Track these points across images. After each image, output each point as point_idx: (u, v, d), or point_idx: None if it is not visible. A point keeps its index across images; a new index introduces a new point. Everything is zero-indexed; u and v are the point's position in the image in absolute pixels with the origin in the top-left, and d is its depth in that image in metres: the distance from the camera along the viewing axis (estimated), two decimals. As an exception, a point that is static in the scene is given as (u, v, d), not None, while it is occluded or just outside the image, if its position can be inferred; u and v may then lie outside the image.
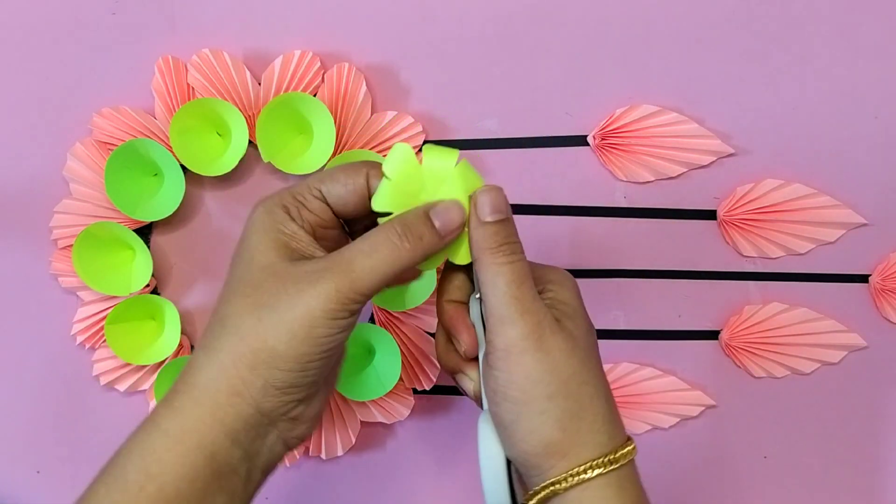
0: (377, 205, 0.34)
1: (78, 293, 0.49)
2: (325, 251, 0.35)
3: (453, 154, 0.35)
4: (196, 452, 0.32)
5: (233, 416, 0.32)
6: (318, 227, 0.35)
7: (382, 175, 0.34)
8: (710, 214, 0.49)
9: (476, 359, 0.37)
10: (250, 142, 0.46)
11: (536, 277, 0.35)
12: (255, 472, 0.34)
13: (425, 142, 0.48)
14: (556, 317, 0.34)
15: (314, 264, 0.33)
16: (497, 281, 0.33)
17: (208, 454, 0.32)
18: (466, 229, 0.35)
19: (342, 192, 0.35)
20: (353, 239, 0.35)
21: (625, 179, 0.48)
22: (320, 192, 0.35)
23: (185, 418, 0.32)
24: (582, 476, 0.33)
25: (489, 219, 0.34)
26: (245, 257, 0.34)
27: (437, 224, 0.34)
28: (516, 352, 0.33)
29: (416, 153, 0.35)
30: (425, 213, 0.34)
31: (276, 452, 0.35)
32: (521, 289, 0.33)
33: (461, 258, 0.35)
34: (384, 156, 0.46)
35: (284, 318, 0.32)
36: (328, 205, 0.35)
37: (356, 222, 0.37)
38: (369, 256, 0.33)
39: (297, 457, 0.49)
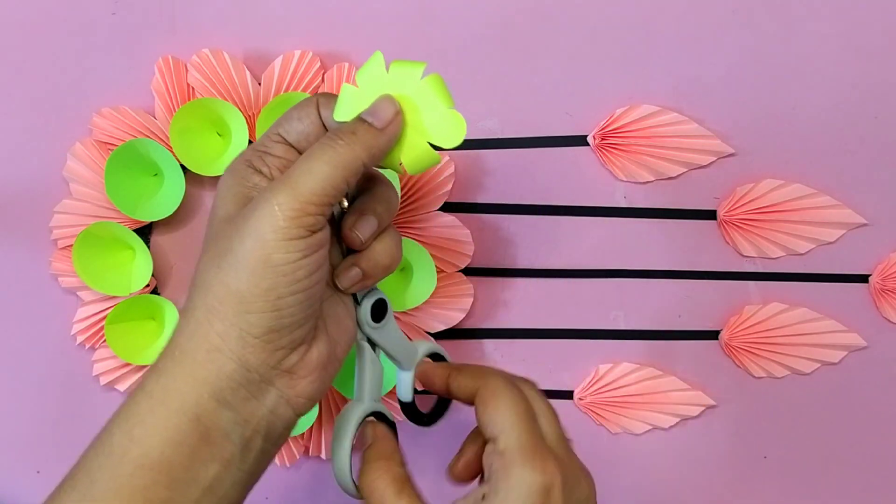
0: (338, 115, 0.33)
1: (78, 293, 0.49)
2: None
3: (419, 66, 0.33)
4: (179, 414, 0.30)
5: (214, 374, 0.31)
6: (284, 169, 0.33)
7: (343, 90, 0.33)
8: (710, 214, 0.49)
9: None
10: (250, 142, 0.46)
11: (500, 471, 0.33)
12: (255, 439, 0.32)
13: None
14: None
15: (257, 192, 0.31)
16: None
17: (192, 416, 0.30)
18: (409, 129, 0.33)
19: (299, 127, 0.33)
20: None
21: (625, 179, 0.48)
22: (279, 135, 0.34)
23: (167, 379, 0.31)
24: None
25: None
26: (210, 218, 0.33)
27: (370, 119, 0.32)
28: None
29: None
30: (357, 116, 0.32)
31: (282, 416, 0.32)
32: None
33: (407, 158, 0.33)
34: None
35: (239, 256, 0.30)
36: (291, 145, 0.34)
37: None
38: (307, 162, 0.31)
39: (297, 456, 0.49)
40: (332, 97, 0.34)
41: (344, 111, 0.33)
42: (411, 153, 0.33)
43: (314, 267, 0.31)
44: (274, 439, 0.33)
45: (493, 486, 0.32)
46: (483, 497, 0.32)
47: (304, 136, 0.33)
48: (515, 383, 0.35)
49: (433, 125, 0.33)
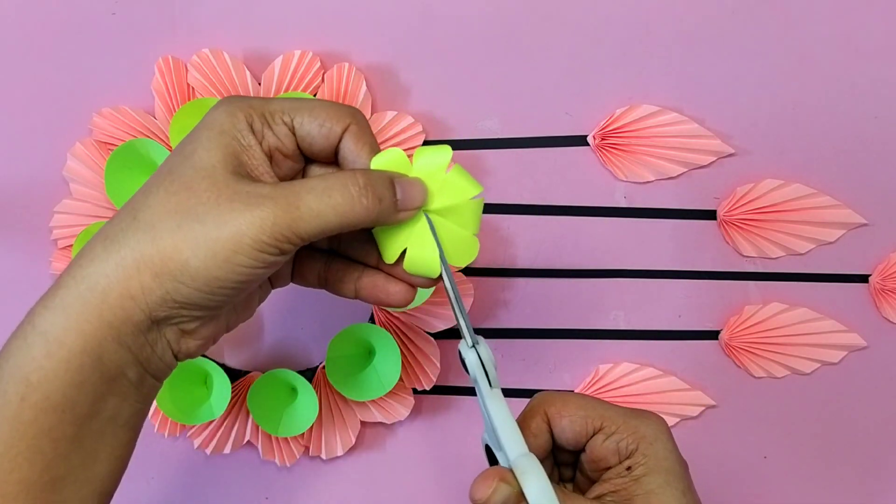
0: (376, 162, 0.33)
1: (78, 293, 0.48)
2: (276, 179, 0.32)
3: (446, 154, 0.33)
4: (82, 356, 0.30)
5: (122, 320, 0.30)
6: (276, 152, 0.33)
7: (366, 147, 0.33)
8: (710, 214, 0.49)
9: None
10: (250, 142, 0.46)
11: (622, 427, 0.33)
12: (147, 378, 0.32)
13: (425, 141, 0.48)
14: (631, 497, 0.32)
15: (258, 188, 0.30)
16: None
17: (95, 357, 0.30)
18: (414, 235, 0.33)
19: (315, 131, 0.33)
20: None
21: (625, 179, 0.48)
22: (291, 119, 0.33)
23: (68, 317, 0.30)
24: None
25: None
26: (187, 151, 0.31)
27: (398, 194, 0.32)
28: None
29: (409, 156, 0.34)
30: (391, 178, 0.32)
31: (167, 361, 0.32)
32: None
33: (389, 255, 0.33)
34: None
35: (209, 234, 0.29)
36: (294, 134, 0.33)
37: (316, 165, 0.35)
38: (319, 198, 0.30)
39: (297, 456, 0.49)
40: (364, 129, 0.33)
41: (382, 161, 0.33)
42: (418, 249, 0.33)
43: (265, 276, 0.31)
44: (161, 378, 0.33)
45: (636, 453, 0.33)
46: (628, 468, 0.33)
47: (311, 138, 0.33)
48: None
49: (452, 240, 0.33)
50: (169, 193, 0.30)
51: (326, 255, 0.36)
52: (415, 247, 0.33)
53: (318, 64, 0.47)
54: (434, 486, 0.51)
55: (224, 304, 0.31)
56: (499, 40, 0.48)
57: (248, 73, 0.47)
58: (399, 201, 0.32)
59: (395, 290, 0.35)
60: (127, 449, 0.33)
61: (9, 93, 0.48)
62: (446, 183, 0.33)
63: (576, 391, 0.50)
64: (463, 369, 0.34)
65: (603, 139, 0.48)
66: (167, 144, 0.46)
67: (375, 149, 0.33)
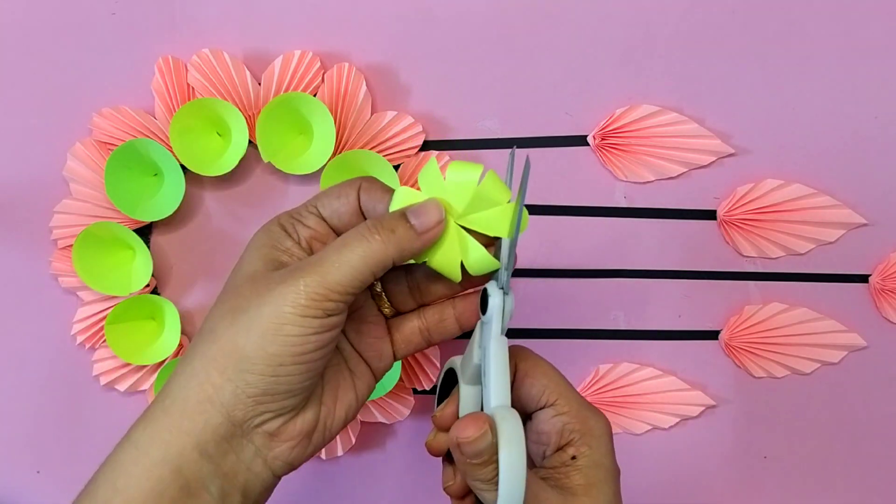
0: (392, 207, 0.34)
1: (78, 293, 0.49)
2: None
3: (476, 169, 0.33)
4: (162, 465, 0.31)
5: (201, 426, 0.31)
6: (313, 241, 0.35)
7: (378, 192, 0.35)
8: (710, 214, 0.49)
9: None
10: (250, 142, 0.46)
11: (573, 413, 0.35)
12: (234, 495, 0.32)
13: (425, 142, 0.48)
14: (572, 486, 0.34)
15: (288, 267, 0.32)
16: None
17: (174, 467, 0.31)
18: (448, 231, 0.34)
19: (336, 204, 0.35)
20: None
21: (625, 179, 0.48)
22: (315, 207, 0.35)
23: (154, 429, 0.31)
24: None
25: None
26: (236, 270, 0.34)
27: (413, 221, 0.33)
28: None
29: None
30: (402, 212, 0.33)
31: (258, 474, 0.33)
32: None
33: (435, 261, 0.34)
34: (384, 156, 0.46)
35: (254, 318, 0.31)
36: (323, 219, 0.35)
37: None
38: (338, 251, 0.32)
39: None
40: (374, 183, 0.35)
41: (398, 198, 0.34)
42: (472, 255, 0.34)
43: (322, 344, 0.32)
44: (253, 498, 0.33)
45: (579, 443, 0.35)
46: (573, 457, 0.35)
47: (337, 215, 0.35)
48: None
49: (494, 219, 0.33)
50: (222, 302, 0.33)
51: (416, 314, 0.38)
52: (465, 253, 0.34)
53: (318, 64, 0.47)
54: (434, 486, 0.51)
55: (296, 388, 0.32)
56: (499, 40, 0.48)
57: (248, 73, 0.47)
58: (416, 226, 0.33)
59: (440, 285, 0.37)
60: None
61: (9, 93, 0.48)
62: (479, 194, 0.33)
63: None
64: (479, 308, 0.35)
65: (603, 139, 0.48)
66: (167, 144, 0.46)
67: (388, 191, 0.35)
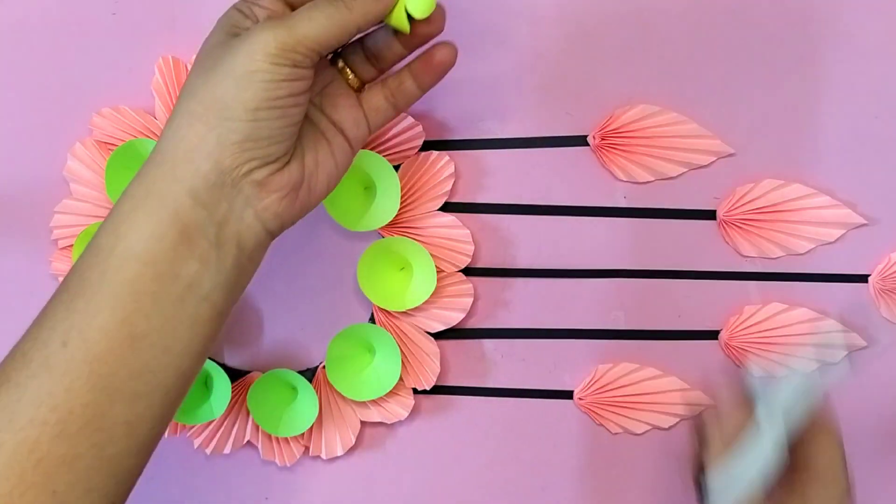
0: None
1: (78, 293, 0.48)
2: None
3: None
4: (159, 210, 0.33)
5: (192, 172, 0.33)
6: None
7: None
8: (709, 214, 0.49)
9: None
10: (250, 142, 0.46)
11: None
12: (228, 244, 0.34)
13: (425, 142, 0.48)
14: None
15: (255, 25, 0.35)
16: None
17: (171, 211, 0.33)
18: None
19: None
20: None
21: (624, 179, 0.48)
22: None
23: (148, 181, 0.34)
24: None
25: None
26: (201, 48, 0.36)
27: None
28: None
29: None
30: None
31: (250, 226, 0.35)
32: None
33: (393, 21, 0.37)
34: (384, 156, 0.46)
35: (228, 68, 0.33)
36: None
37: None
38: (308, 11, 0.34)
39: (297, 456, 0.49)
40: None
41: None
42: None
43: (294, 91, 0.34)
44: (248, 252, 0.35)
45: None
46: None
47: None
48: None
49: None
50: (195, 69, 0.35)
51: (380, 84, 0.40)
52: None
53: (318, 64, 0.47)
54: (434, 486, 0.51)
55: (278, 136, 0.34)
56: (498, 41, 0.48)
57: (248, 73, 0.47)
58: None
59: (439, 53, 0.40)
60: (208, 329, 0.35)
61: (8, 93, 0.48)
62: None
63: (576, 391, 0.50)
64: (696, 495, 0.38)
65: (603, 139, 0.48)
66: (167, 144, 0.46)
67: None
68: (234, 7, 0.36)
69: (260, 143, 0.34)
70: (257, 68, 0.33)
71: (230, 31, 0.35)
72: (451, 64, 0.40)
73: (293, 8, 0.37)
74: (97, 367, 0.32)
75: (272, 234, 0.37)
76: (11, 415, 0.32)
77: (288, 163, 0.36)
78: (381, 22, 0.37)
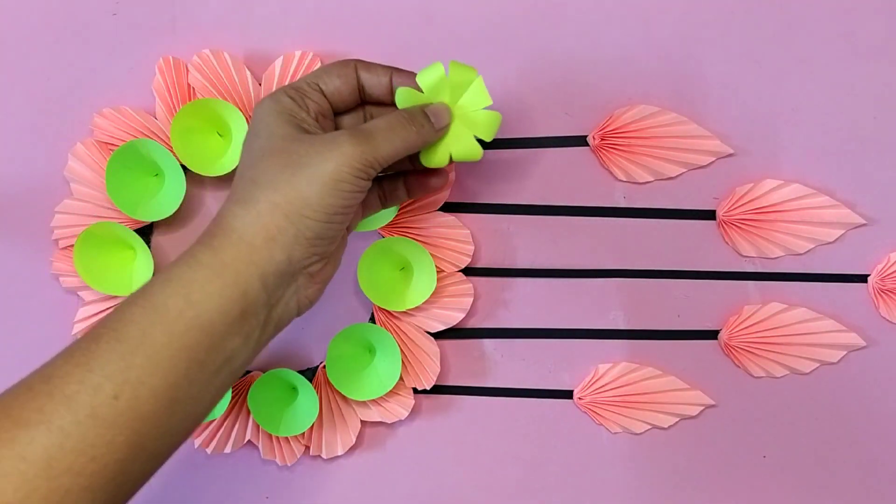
0: (400, 103, 0.40)
1: (79, 293, 0.49)
2: None
3: (472, 71, 0.41)
4: (232, 288, 0.35)
5: (266, 260, 0.36)
6: (318, 115, 0.39)
7: (377, 68, 0.41)
8: (709, 214, 0.49)
9: None
10: (251, 142, 0.47)
11: None
12: (270, 324, 0.37)
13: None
14: None
15: (336, 135, 0.37)
16: None
17: (241, 292, 0.35)
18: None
19: (337, 83, 0.40)
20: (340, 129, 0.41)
21: (624, 180, 0.48)
22: (318, 84, 0.40)
23: (225, 256, 0.35)
24: None
25: None
26: (264, 133, 0.37)
27: (432, 119, 0.40)
28: None
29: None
30: (422, 110, 0.40)
31: (289, 309, 0.38)
32: None
33: (430, 160, 0.41)
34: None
35: (317, 172, 0.36)
36: (325, 96, 0.40)
37: (341, 116, 0.42)
38: (386, 131, 0.38)
39: (298, 456, 0.49)
40: (368, 63, 0.41)
41: (402, 101, 0.40)
42: (459, 146, 0.41)
43: (357, 201, 0.38)
44: (281, 327, 0.38)
45: None
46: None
47: (338, 92, 0.40)
48: None
49: (476, 123, 0.41)
50: (273, 159, 0.37)
51: (375, 183, 0.44)
52: (454, 144, 0.41)
53: (319, 64, 0.47)
54: (434, 486, 0.51)
55: (338, 234, 0.38)
56: (498, 41, 0.48)
57: (248, 73, 0.47)
58: (434, 124, 0.40)
59: (435, 180, 0.44)
60: (221, 396, 0.36)
61: (10, 93, 0.48)
62: (470, 95, 0.41)
63: (576, 391, 0.50)
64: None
65: (602, 139, 0.48)
66: (168, 145, 0.46)
67: (387, 69, 0.41)
68: (285, 94, 0.39)
69: (325, 241, 0.37)
70: (343, 178, 0.36)
71: (293, 123, 0.38)
72: (442, 190, 0.47)
73: (332, 103, 0.40)
74: (139, 426, 0.33)
75: (300, 314, 0.39)
76: (50, 460, 0.31)
77: (332, 256, 0.39)
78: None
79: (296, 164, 0.36)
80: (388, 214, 0.46)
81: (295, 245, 0.36)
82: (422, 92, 0.40)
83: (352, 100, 0.41)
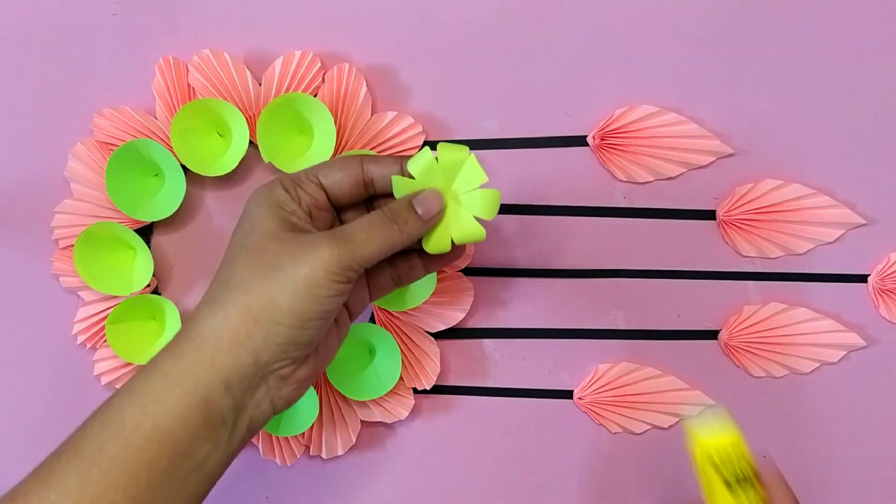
0: (397, 192, 0.39)
1: (79, 293, 0.49)
2: (318, 231, 0.38)
3: (464, 150, 0.39)
4: (192, 395, 0.34)
5: (231, 364, 0.35)
6: (312, 208, 0.38)
7: (387, 160, 0.39)
8: (709, 214, 0.49)
9: None
10: (251, 142, 0.47)
11: None
12: (241, 426, 0.36)
13: (425, 142, 0.48)
14: None
15: (317, 235, 0.36)
16: None
17: (202, 398, 0.34)
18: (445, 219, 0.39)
19: (339, 176, 0.39)
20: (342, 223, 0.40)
21: (624, 180, 0.48)
22: (317, 177, 0.39)
23: (186, 362, 0.35)
24: None
25: None
26: (247, 227, 0.37)
27: (419, 210, 0.38)
28: None
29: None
30: (409, 202, 0.38)
31: (262, 410, 0.36)
32: None
33: (432, 246, 0.39)
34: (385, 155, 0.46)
35: (290, 277, 0.35)
36: (324, 189, 0.39)
37: (345, 210, 0.41)
38: (366, 231, 0.36)
39: (298, 456, 0.49)
40: (376, 156, 0.39)
41: (399, 190, 0.39)
42: (459, 229, 0.39)
43: (339, 304, 0.36)
44: (254, 430, 0.37)
45: None
46: None
47: (338, 184, 0.39)
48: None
49: (474, 202, 0.39)
50: (249, 258, 0.36)
51: (388, 263, 0.42)
52: (455, 228, 0.39)
53: (319, 64, 0.47)
54: (434, 486, 0.51)
55: (314, 339, 0.36)
56: (499, 40, 0.48)
57: (248, 73, 0.47)
58: (421, 215, 0.38)
59: (451, 255, 0.42)
60: (199, 500, 0.36)
61: (10, 93, 0.48)
62: (463, 170, 0.39)
63: (575, 391, 0.50)
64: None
65: (602, 139, 0.48)
66: (168, 145, 0.46)
67: (397, 160, 0.39)
68: (280, 184, 0.38)
69: (300, 346, 0.36)
70: (318, 284, 0.35)
71: (281, 217, 0.37)
72: (462, 259, 0.47)
73: (332, 197, 0.39)
74: None
75: (278, 413, 0.38)
76: None
77: (309, 357, 0.37)
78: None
79: (269, 265, 0.35)
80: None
81: (263, 349, 0.35)
82: (414, 179, 0.39)
83: (355, 193, 0.39)
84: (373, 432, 0.50)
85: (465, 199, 0.39)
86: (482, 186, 0.39)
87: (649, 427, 0.50)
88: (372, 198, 0.41)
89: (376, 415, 0.49)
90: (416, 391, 0.49)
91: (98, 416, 0.34)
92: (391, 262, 0.42)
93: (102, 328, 0.48)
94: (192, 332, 0.35)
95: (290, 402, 0.37)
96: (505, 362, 0.50)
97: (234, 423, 0.35)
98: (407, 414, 0.49)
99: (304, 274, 0.35)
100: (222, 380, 0.34)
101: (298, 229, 0.37)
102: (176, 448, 0.34)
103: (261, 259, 0.35)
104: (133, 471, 0.33)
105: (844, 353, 0.50)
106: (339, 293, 0.36)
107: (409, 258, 0.42)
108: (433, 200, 0.38)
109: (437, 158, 0.38)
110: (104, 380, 0.49)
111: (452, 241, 0.39)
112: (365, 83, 0.47)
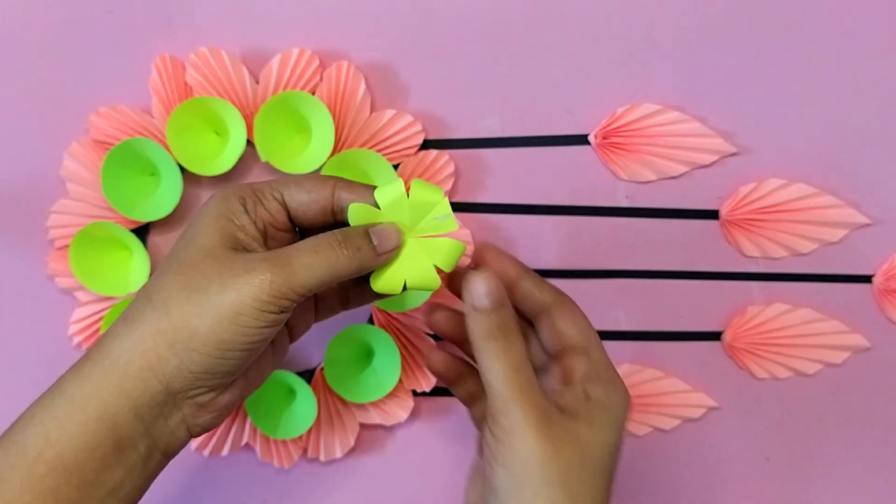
0: (353, 220, 0.36)
1: (75, 294, 0.48)
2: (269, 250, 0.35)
3: (437, 193, 0.36)
4: (98, 422, 0.32)
5: (140, 390, 0.32)
6: (269, 226, 0.36)
7: (359, 188, 0.37)
8: (712, 214, 0.49)
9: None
10: (248, 141, 0.46)
11: (595, 374, 0.36)
12: (156, 453, 0.34)
13: (425, 141, 0.47)
14: (575, 412, 0.34)
15: (253, 256, 0.33)
16: (493, 365, 0.34)
17: (110, 425, 0.32)
18: (398, 259, 0.36)
19: (305, 198, 0.36)
20: None
21: (626, 179, 0.48)
22: (281, 194, 0.36)
23: (92, 386, 0.32)
24: None
25: (482, 305, 0.35)
26: (188, 237, 0.34)
27: (374, 241, 0.35)
28: (519, 433, 0.33)
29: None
30: (366, 230, 0.35)
31: (179, 437, 0.34)
32: (518, 374, 0.33)
33: (380, 285, 0.36)
34: (383, 155, 0.46)
35: (213, 301, 0.32)
36: (286, 208, 0.36)
37: (310, 233, 0.37)
38: (308, 255, 0.33)
39: (296, 458, 0.49)
40: (351, 183, 0.36)
41: (356, 219, 0.36)
42: (414, 274, 0.36)
43: (270, 335, 0.33)
44: (170, 455, 0.35)
45: (595, 388, 0.35)
46: (587, 396, 0.35)
47: (304, 208, 0.36)
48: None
49: (436, 249, 0.36)
50: (177, 274, 0.33)
51: (338, 284, 0.39)
52: (410, 272, 0.36)
53: (317, 62, 0.47)
54: (433, 489, 0.51)
55: (236, 369, 0.34)
56: (499, 39, 0.47)
57: (246, 71, 0.46)
58: (377, 247, 0.35)
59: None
60: None
61: (5, 91, 0.48)
62: (435, 212, 0.36)
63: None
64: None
65: (604, 138, 0.47)
66: (164, 143, 0.46)
67: (369, 188, 0.36)
68: (239, 194, 0.35)
69: (217, 375, 0.33)
70: (244, 312, 0.32)
71: (226, 231, 0.34)
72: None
73: (294, 217, 0.36)
74: None
75: (196, 436, 0.36)
76: None
77: (232, 384, 0.35)
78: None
79: (195, 286, 0.32)
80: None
81: (176, 377, 0.32)
82: (379, 209, 0.36)
83: (320, 218, 0.36)
84: (372, 435, 0.50)
85: (427, 244, 0.36)
86: (449, 236, 0.36)
87: (651, 429, 0.50)
88: (340, 224, 0.37)
89: (375, 417, 0.48)
90: (415, 393, 0.49)
91: (2, 443, 0.33)
92: (342, 284, 0.39)
93: (99, 329, 0.48)
94: (103, 352, 0.33)
95: (209, 429, 0.35)
96: (505, 364, 0.49)
97: (148, 449, 0.33)
98: (406, 416, 0.48)
99: (230, 300, 0.32)
100: (131, 407, 0.32)
101: (242, 247, 0.34)
102: (84, 476, 0.32)
103: (188, 278, 0.33)
104: (38, 500, 0.31)
105: (848, 354, 0.49)
106: (269, 324, 0.33)
107: (361, 283, 0.39)
108: (392, 234, 0.35)
109: (408, 194, 0.36)
110: (100, 381, 0.48)
111: (405, 286, 0.36)
112: (364, 81, 0.46)
